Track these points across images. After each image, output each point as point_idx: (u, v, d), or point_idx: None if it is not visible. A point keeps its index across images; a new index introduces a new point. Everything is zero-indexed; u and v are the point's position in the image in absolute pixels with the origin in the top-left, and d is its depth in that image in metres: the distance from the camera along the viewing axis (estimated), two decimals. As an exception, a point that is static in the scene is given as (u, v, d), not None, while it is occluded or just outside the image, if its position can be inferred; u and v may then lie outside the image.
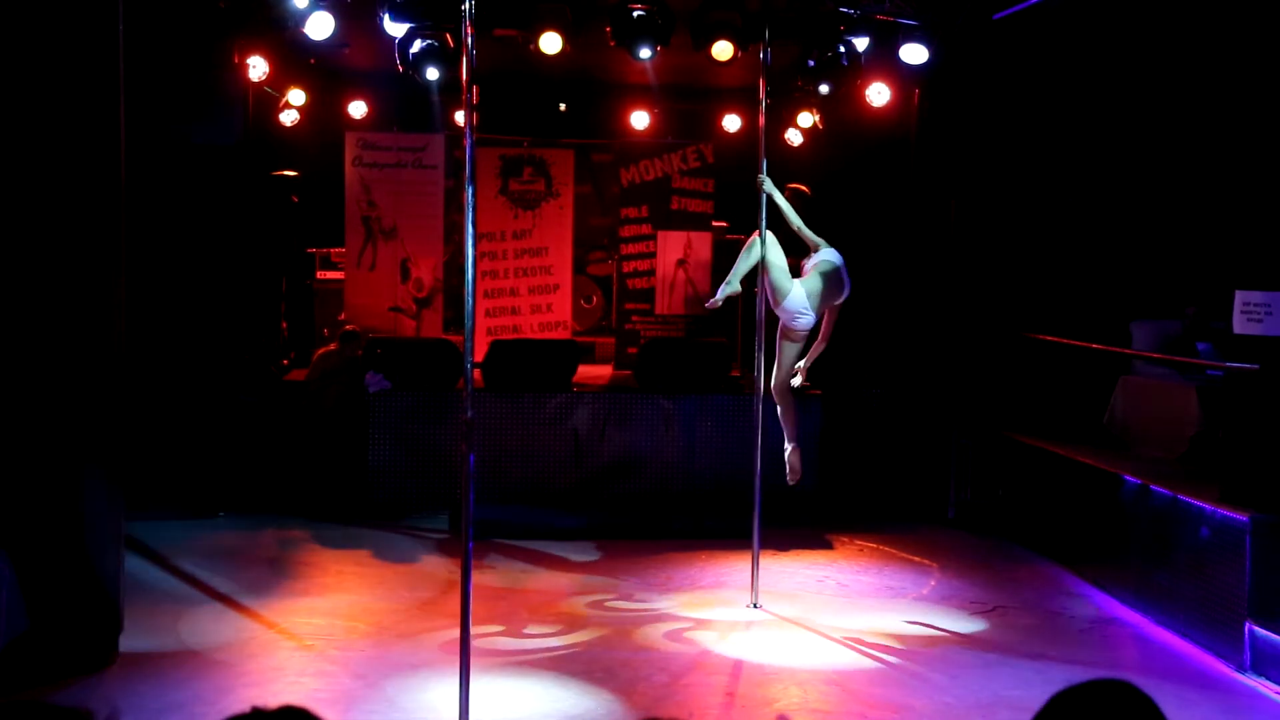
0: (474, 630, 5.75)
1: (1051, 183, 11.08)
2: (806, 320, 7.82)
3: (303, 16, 9.41)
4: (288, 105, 12.13)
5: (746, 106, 12.94)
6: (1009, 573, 9.10)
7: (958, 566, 9.20)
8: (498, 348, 10.93)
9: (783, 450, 8.16)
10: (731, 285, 7.89)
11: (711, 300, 8.03)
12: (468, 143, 5.60)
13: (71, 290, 6.61)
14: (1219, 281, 8.91)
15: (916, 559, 9.41)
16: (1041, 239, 11.01)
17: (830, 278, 7.81)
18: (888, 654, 7.19)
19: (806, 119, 12.36)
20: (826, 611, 7.99)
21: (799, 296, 7.78)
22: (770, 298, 7.83)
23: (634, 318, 12.56)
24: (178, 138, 10.41)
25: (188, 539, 9.32)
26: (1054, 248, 11.03)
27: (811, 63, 9.93)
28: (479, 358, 10.31)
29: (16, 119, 6.55)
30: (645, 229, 12.48)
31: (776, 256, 7.75)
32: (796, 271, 8.00)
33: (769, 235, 7.83)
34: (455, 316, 12.38)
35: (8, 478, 6.54)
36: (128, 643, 6.82)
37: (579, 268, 13.43)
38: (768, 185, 7.81)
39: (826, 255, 7.88)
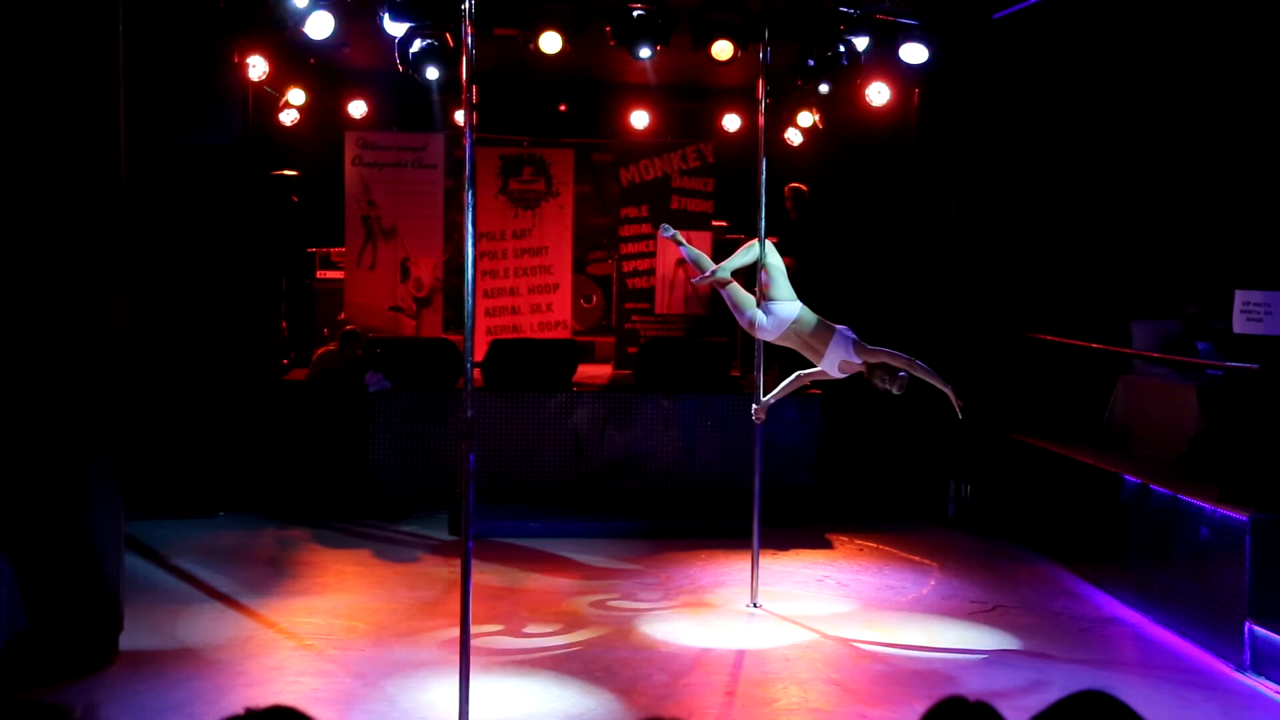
0: (474, 630, 5.76)
1: (1051, 182, 11.08)
2: (768, 336, 7.59)
3: (303, 16, 9.41)
4: (288, 105, 12.13)
5: (746, 106, 12.95)
6: (1009, 573, 9.10)
7: (958, 566, 9.20)
8: (498, 347, 10.93)
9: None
10: (722, 273, 7.57)
11: (700, 277, 7.78)
12: (468, 142, 5.60)
13: (72, 290, 6.61)
14: (1219, 281, 8.91)
15: (916, 559, 9.41)
16: (1041, 239, 11.00)
17: (819, 326, 7.42)
18: (888, 654, 7.19)
19: (806, 119, 12.37)
20: (826, 611, 7.99)
21: (789, 313, 7.43)
22: (760, 291, 7.56)
23: (634, 317, 12.57)
24: (178, 138, 10.40)
25: (188, 539, 9.32)
26: (1054, 247, 11.03)
27: (811, 62, 9.93)
28: (479, 357, 10.31)
29: (16, 119, 6.55)
30: (645, 229, 12.48)
31: (776, 260, 7.65)
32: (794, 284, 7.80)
33: (768, 243, 7.74)
34: (455, 316, 12.38)
35: (8, 477, 6.54)
36: (128, 642, 6.82)
37: (579, 267, 13.43)
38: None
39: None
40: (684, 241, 8.03)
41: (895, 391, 7.27)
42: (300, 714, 2.24)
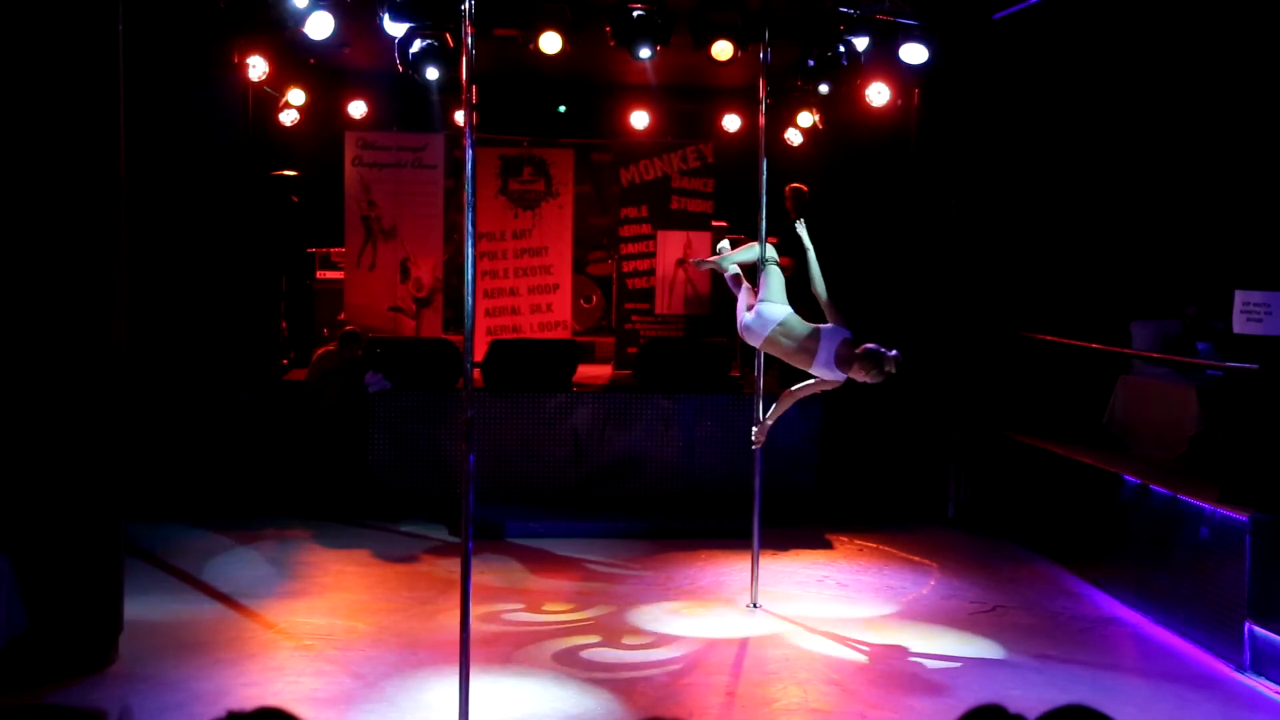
0: (473, 630, 5.75)
1: (1051, 182, 11.08)
2: (753, 338, 7.42)
3: (303, 16, 9.41)
4: (288, 105, 12.13)
5: (746, 106, 12.94)
6: (1009, 573, 9.10)
7: (957, 566, 9.20)
8: (498, 347, 10.93)
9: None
10: (723, 264, 7.64)
11: (699, 261, 7.98)
12: (467, 142, 5.60)
13: (71, 290, 6.61)
14: (1219, 281, 8.91)
15: (916, 559, 9.41)
16: (1041, 239, 11.01)
17: (810, 334, 7.22)
18: (888, 654, 7.19)
19: (806, 119, 12.37)
20: (826, 612, 7.99)
21: (774, 315, 7.28)
22: (758, 289, 7.48)
23: (634, 317, 12.57)
24: (178, 138, 10.41)
25: (187, 539, 9.32)
26: (1054, 247, 11.03)
27: (811, 62, 9.93)
28: (479, 358, 10.31)
29: (15, 119, 6.55)
30: (645, 229, 12.49)
31: (776, 277, 7.54)
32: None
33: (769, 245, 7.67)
34: (455, 316, 12.38)
35: (7, 477, 6.54)
36: (128, 642, 6.82)
37: (579, 267, 13.43)
38: (800, 229, 7.45)
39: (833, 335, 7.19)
40: (715, 262, 7.94)
41: (891, 371, 7.05)
42: (287, 714, 2.24)
